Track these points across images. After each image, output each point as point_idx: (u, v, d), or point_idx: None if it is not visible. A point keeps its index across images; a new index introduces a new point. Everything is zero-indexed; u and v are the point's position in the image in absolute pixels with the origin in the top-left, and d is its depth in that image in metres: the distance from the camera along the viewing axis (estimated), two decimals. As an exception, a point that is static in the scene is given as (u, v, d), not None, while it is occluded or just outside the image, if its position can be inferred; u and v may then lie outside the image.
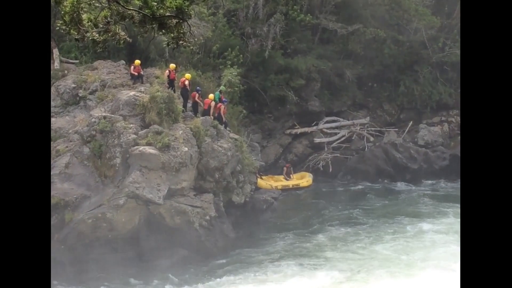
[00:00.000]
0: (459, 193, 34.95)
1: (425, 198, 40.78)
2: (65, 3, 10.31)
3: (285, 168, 43.22)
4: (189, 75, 33.20)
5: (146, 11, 10.34)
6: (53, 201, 26.08)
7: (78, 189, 27.81)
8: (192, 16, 11.25)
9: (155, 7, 10.29)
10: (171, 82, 32.66)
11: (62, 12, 10.47)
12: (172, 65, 33.48)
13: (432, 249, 30.45)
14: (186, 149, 29.00)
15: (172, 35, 10.95)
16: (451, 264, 25.99)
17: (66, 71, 34.49)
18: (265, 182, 39.49)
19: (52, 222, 25.58)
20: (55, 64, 34.40)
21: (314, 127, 47.61)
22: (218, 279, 26.87)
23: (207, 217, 29.04)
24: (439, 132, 48.38)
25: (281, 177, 42.60)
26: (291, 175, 42.80)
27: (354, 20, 47.68)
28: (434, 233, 32.97)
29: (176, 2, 10.39)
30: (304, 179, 42.52)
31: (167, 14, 10.48)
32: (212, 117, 32.34)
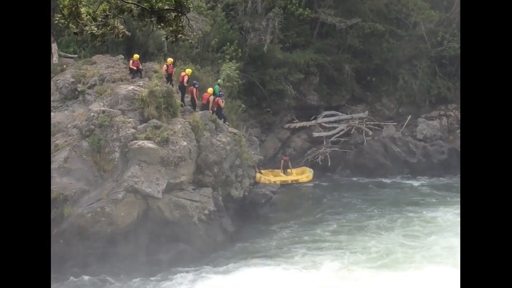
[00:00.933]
0: (457, 186, 35.58)
1: (426, 191, 41.03)
2: (63, -3, 10.31)
3: (282, 161, 43.12)
4: (190, 70, 33.15)
5: (145, 4, 10.34)
6: (52, 195, 26.07)
7: (77, 184, 27.83)
8: (191, 10, 11.22)
9: (154, 1, 10.29)
10: (169, 77, 32.65)
11: (61, 6, 10.46)
12: (170, 59, 33.47)
13: (442, 235, 30.97)
14: (185, 143, 29.01)
15: (170, 28, 10.94)
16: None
17: (64, 66, 34.47)
18: (264, 177, 39.42)
19: (51, 217, 25.58)
20: (54, 59, 34.38)
21: (313, 121, 47.64)
22: (217, 273, 26.92)
23: (206, 211, 29.07)
24: (437, 126, 48.38)
25: (280, 171, 42.58)
26: (289, 169, 42.74)
27: (352, 14, 47.67)
28: (441, 220, 33.50)
29: (174, -4, 10.39)
30: (304, 175, 42.46)
31: (166, 7, 10.48)
32: (211, 111, 32.33)
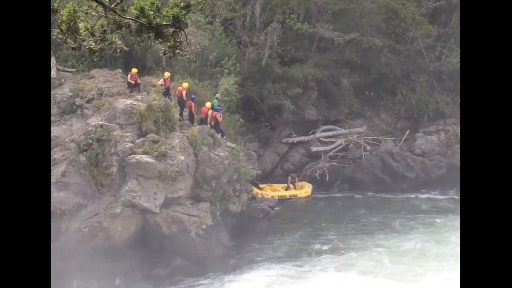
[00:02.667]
0: (457, 200, 36.02)
1: (425, 205, 41.22)
2: (62, 12, 10.28)
3: (289, 178, 43.08)
4: (187, 84, 33.16)
5: (143, 20, 10.31)
6: (49, 209, 26.02)
7: (74, 198, 27.78)
8: (189, 24, 11.20)
9: (152, 16, 10.27)
10: (166, 91, 32.66)
11: (59, 21, 10.44)
12: (167, 73, 33.49)
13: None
14: (183, 157, 28.98)
15: (168, 44, 10.92)
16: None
17: (63, 80, 34.49)
18: (262, 192, 39.30)
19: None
20: (52, 73, 34.35)
21: (311, 136, 47.56)
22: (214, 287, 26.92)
23: (204, 226, 29.00)
24: (436, 141, 48.32)
25: (280, 186, 42.51)
26: (296, 185, 42.68)
27: (351, 29, 47.71)
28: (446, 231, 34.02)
29: (173, 11, 10.37)
30: (303, 190, 42.38)
31: (164, 23, 10.46)
32: (209, 126, 32.31)
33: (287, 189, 42.49)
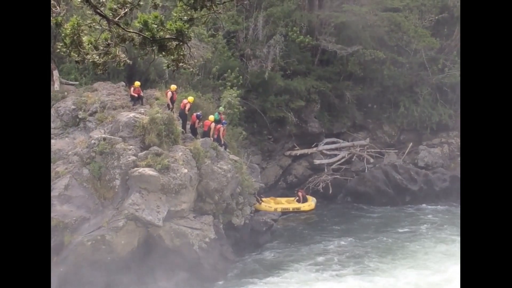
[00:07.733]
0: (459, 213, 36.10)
1: (429, 217, 41.18)
2: (65, 26, 10.30)
3: (298, 193, 42.74)
4: (192, 98, 33.05)
5: (146, 33, 10.33)
6: (52, 223, 25.96)
7: (77, 211, 27.71)
8: (192, 38, 11.22)
9: (155, 30, 10.28)
10: (173, 104, 32.65)
11: (63, 35, 10.46)
12: (174, 86, 33.40)
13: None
14: (186, 170, 28.94)
15: (172, 57, 10.93)
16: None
17: (66, 93, 34.48)
18: (265, 204, 39.12)
19: (51, 244, 25.42)
20: (55, 86, 34.42)
21: (314, 149, 47.50)
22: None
23: (207, 239, 28.94)
24: (439, 154, 48.28)
25: (284, 199, 42.14)
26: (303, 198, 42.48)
27: (353, 42, 47.74)
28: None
29: (176, 25, 10.39)
30: (306, 203, 42.13)
31: (167, 36, 10.48)
32: (212, 139, 32.28)
33: (299, 201, 42.15)
